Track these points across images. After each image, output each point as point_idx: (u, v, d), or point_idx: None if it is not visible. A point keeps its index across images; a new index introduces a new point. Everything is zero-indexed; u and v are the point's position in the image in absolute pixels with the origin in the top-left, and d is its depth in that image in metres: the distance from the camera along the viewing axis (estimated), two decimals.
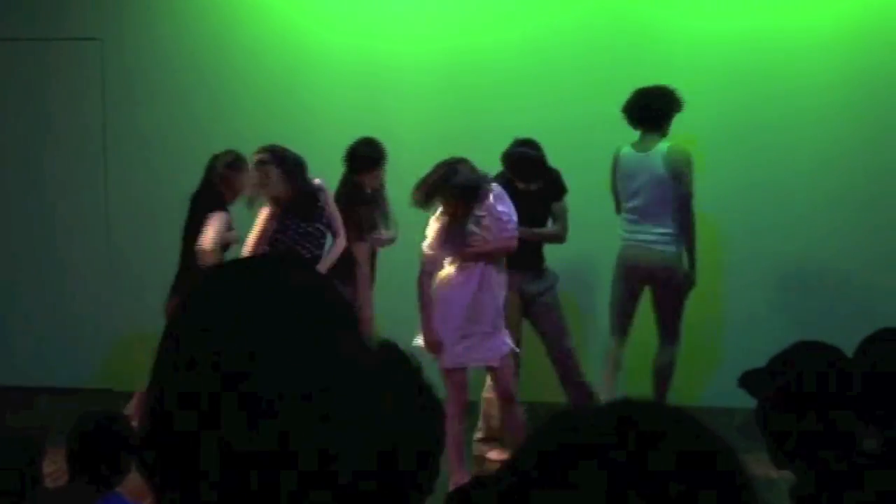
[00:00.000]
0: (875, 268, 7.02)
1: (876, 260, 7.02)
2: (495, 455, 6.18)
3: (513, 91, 7.27)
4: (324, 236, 5.93)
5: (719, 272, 7.01)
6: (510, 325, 5.67)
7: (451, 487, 4.19)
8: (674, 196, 6.00)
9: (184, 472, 1.08)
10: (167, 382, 1.11)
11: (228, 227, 6.05)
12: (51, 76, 7.89)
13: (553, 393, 6.26)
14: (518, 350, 5.76)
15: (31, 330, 7.97)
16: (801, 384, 2.31)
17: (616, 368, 6.29)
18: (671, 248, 6.07)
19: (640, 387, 6.28)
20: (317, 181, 5.90)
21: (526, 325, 6.21)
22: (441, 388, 5.32)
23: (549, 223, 6.24)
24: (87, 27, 7.79)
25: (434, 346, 5.39)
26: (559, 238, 6.23)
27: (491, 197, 5.40)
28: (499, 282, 5.48)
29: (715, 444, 0.93)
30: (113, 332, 7.80)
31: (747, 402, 2.45)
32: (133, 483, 3.23)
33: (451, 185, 5.25)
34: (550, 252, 6.30)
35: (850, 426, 2.28)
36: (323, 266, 5.61)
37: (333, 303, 1.18)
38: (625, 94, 6.14)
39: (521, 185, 5.93)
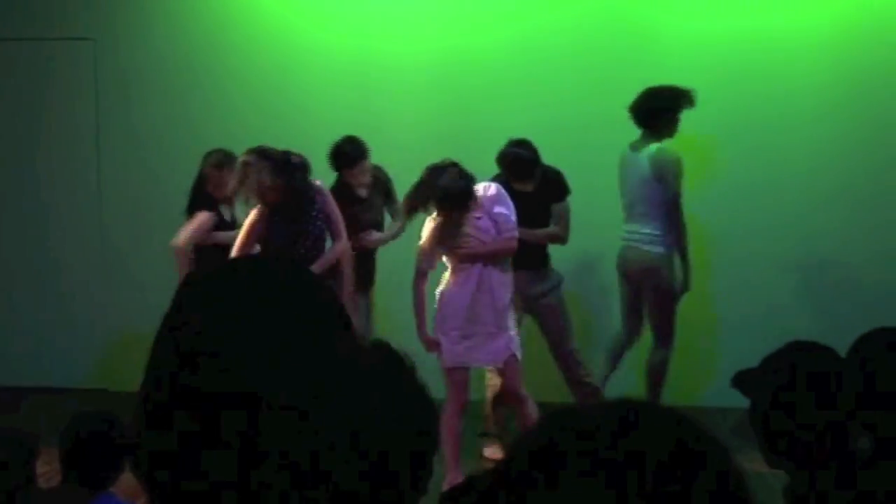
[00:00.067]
0: (871, 267, 7.03)
1: (872, 259, 7.03)
2: (489, 453, 6.18)
3: (507, 91, 7.27)
4: (323, 237, 5.91)
5: (714, 272, 7.01)
6: None
7: (444, 487, 4.19)
8: (661, 198, 6.00)
9: (178, 472, 1.08)
10: (161, 383, 1.11)
11: (214, 227, 6.05)
12: (44, 76, 7.88)
13: (556, 393, 6.23)
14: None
15: (25, 330, 7.96)
16: (793, 384, 2.32)
17: (615, 357, 6.31)
18: (658, 249, 6.06)
19: (639, 387, 6.29)
20: (317, 182, 5.89)
21: (528, 326, 6.21)
22: (440, 387, 5.33)
23: (552, 224, 6.23)
24: (81, 27, 7.78)
25: (430, 344, 5.43)
26: (559, 239, 6.20)
27: (488, 198, 5.41)
28: (502, 282, 5.47)
29: (709, 443, 0.93)
30: (108, 331, 7.79)
31: (741, 402, 2.45)
32: (127, 483, 3.22)
33: (436, 192, 5.28)
34: (555, 252, 6.29)
35: (842, 426, 2.29)
36: (318, 267, 5.60)
37: (327, 303, 1.18)
38: (620, 94, 6.14)
39: (517, 186, 5.94)
